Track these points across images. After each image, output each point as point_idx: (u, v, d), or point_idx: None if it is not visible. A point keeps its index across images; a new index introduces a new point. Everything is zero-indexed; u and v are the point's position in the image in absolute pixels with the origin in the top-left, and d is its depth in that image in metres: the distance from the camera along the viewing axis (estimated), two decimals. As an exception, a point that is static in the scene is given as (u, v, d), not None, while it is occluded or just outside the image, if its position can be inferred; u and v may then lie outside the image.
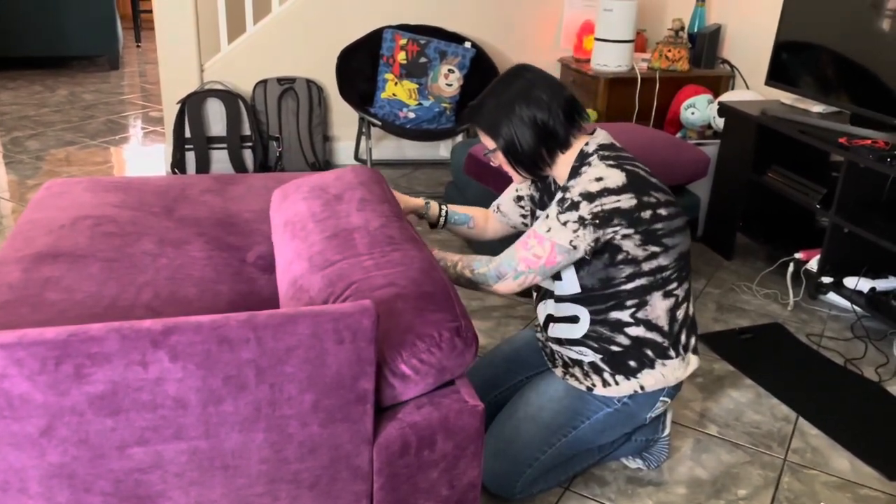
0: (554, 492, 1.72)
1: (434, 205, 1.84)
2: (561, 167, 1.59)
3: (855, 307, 2.59)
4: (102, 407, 0.99)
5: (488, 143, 1.61)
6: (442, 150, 4.14)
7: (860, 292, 2.46)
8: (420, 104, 3.55)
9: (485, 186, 2.59)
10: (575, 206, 1.48)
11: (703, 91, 3.44)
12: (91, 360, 0.96)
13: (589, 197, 1.47)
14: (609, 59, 3.48)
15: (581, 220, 1.47)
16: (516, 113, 1.54)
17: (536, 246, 1.52)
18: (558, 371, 1.70)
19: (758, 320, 2.55)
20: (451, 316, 1.21)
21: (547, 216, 1.53)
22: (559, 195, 1.53)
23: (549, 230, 1.51)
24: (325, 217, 1.49)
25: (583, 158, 1.55)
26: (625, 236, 1.49)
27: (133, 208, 1.80)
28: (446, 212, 1.85)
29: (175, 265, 1.57)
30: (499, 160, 1.62)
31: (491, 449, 1.64)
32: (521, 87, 1.55)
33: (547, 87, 1.54)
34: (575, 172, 1.55)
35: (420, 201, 1.81)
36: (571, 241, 1.49)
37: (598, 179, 1.49)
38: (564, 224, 1.49)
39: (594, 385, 1.63)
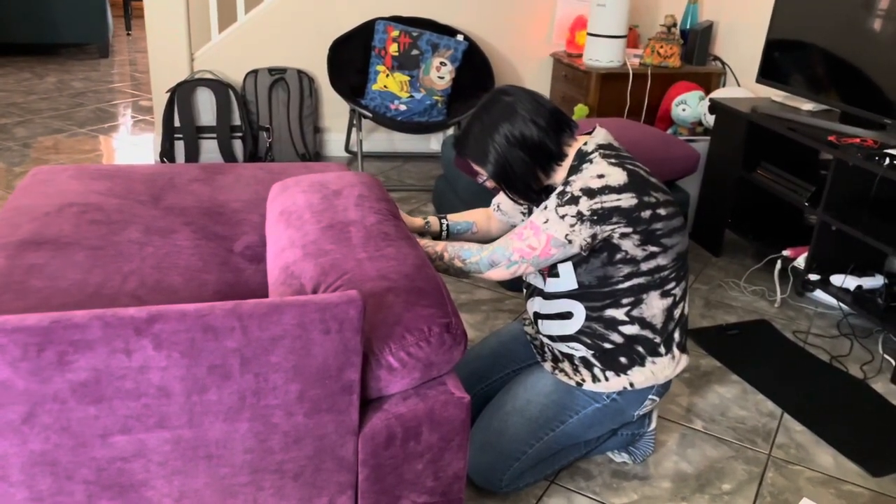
0: (539, 485, 1.72)
1: (434, 220, 1.82)
2: (559, 174, 1.57)
3: (841, 305, 2.60)
4: (85, 395, 0.98)
5: (481, 171, 1.59)
6: (433, 143, 4.13)
7: (847, 290, 2.47)
8: (411, 97, 3.54)
9: (475, 181, 2.59)
10: (574, 200, 1.47)
11: (694, 88, 3.44)
12: (74, 348, 0.96)
13: (590, 193, 1.46)
14: (601, 55, 3.48)
15: (579, 216, 1.46)
16: (503, 135, 1.51)
17: (532, 237, 1.51)
18: (547, 365, 1.70)
19: (745, 317, 2.56)
20: (441, 312, 1.21)
21: (545, 207, 1.51)
22: (560, 188, 1.52)
23: (546, 221, 1.50)
24: (322, 209, 1.48)
25: (581, 157, 1.54)
26: (623, 235, 1.48)
27: (120, 196, 1.79)
28: (447, 225, 1.84)
29: (161, 254, 1.56)
30: (493, 184, 1.61)
31: (478, 442, 1.64)
32: (503, 110, 1.52)
33: (529, 105, 1.52)
34: (574, 171, 1.53)
35: (420, 221, 1.81)
36: (567, 235, 1.48)
37: (600, 176, 1.48)
38: (562, 217, 1.48)
39: (584, 380, 1.63)
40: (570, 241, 1.48)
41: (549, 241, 1.50)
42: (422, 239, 1.65)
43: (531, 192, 1.59)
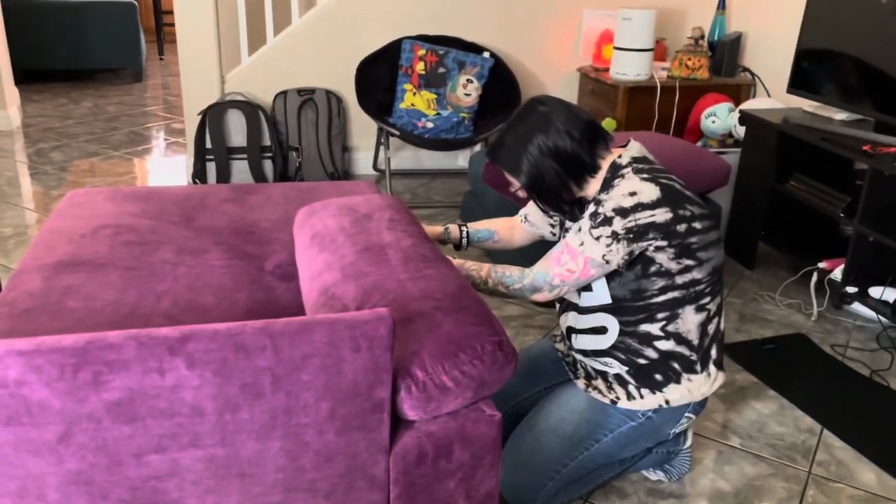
0: (573, 503, 1.70)
1: (454, 227, 1.82)
2: (592, 186, 1.56)
3: (880, 317, 2.54)
4: (120, 414, 0.99)
5: (513, 180, 1.58)
6: (460, 159, 4.15)
7: (885, 302, 2.41)
8: (438, 114, 3.56)
9: (503, 195, 2.58)
10: (608, 221, 1.46)
11: (723, 99, 3.41)
12: (109, 368, 0.97)
13: (622, 212, 1.45)
14: (628, 68, 3.47)
15: (614, 235, 1.45)
16: (536, 146, 1.51)
17: (570, 261, 1.51)
18: (580, 383, 1.68)
19: (781, 331, 2.51)
20: (491, 330, 1.20)
21: (579, 229, 1.51)
22: (592, 208, 1.51)
23: (581, 244, 1.49)
24: (355, 232, 1.49)
25: (615, 170, 1.52)
26: (658, 248, 1.47)
27: (153, 217, 1.81)
28: (467, 232, 1.83)
29: (194, 274, 1.57)
30: (525, 193, 1.61)
31: (511, 461, 1.62)
32: (538, 120, 1.52)
33: (564, 115, 1.51)
34: (607, 184, 1.52)
35: (439, 228, 1.80)
36: (604, 256, 1.47)
37: (632, 194, 1.46)
38: (597, 239, 1.47)
39: (618, 398, 1.61)
40: (607, 262, 1.48)
41: (586, 262, 1.49)
42: (463, 261, 1.65)
43: (563, 204, 1.58)
